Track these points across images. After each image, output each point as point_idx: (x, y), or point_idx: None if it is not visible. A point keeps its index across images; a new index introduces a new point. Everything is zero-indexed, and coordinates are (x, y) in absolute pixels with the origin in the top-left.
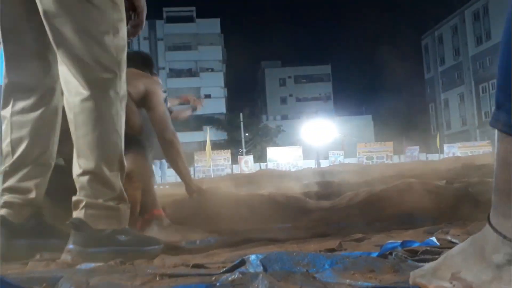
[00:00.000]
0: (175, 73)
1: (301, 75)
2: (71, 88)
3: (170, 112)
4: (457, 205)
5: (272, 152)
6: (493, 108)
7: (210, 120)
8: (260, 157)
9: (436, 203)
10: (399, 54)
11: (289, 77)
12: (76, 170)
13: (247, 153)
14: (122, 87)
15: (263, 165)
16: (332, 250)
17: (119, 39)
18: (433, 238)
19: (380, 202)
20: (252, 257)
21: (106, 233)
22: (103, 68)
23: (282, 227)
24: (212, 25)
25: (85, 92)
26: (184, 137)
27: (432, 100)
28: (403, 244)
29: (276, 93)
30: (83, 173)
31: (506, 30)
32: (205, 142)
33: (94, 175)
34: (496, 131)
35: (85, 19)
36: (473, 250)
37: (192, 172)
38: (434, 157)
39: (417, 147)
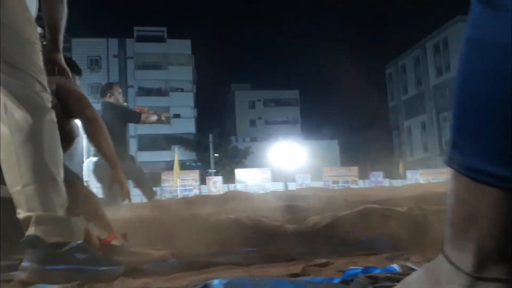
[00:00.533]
0: (145, 91)
1: (270, 98)
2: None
3: (139, 117)
4: (417, 232)
5: (240, 174)
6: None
7: (179, 140)
8: (229, 178)
9: (397, 229)
10: (364, 82)
11: (259, 100)
12: (15, 184)
13: (216, 173)
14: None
15: (231, 186)
16: (295, 275)
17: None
18: (394, 265)
19: (344, 227)
20: (215, 282)
21: (63, 250)
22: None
23: (247, 251)
24: (183, 46)
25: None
26: (152, 156)
27: (395, 128)
28: (364, 270)
29: (246, 115)
30: (25, 186)
31: (460, 71)
32: (173, 161)
33: (38, 186)
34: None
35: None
36: (428, 279)
37: (158, 192)
38: (397, 183)
39: (381, 173)
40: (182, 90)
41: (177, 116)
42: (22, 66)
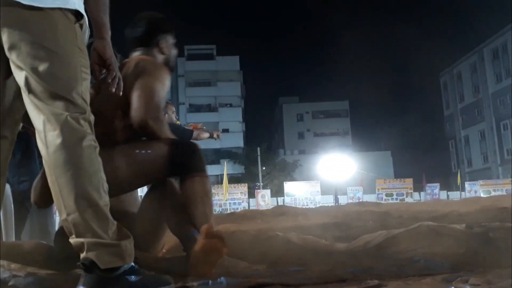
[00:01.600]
0: (195, 108)
1: (319, 110)
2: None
3: (191, 134)
4: (476, 252)
5: (289, 187)
6: None
7: (228, 154)
8: (278, 192)
9: (455, 248)
10: (418, 91)
11: (307, 112)
12: (61, 213)
13: (264, 187)
14: (92, 125)
15: (280, 199)
16: None
17: (86, 84)
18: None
19: (397, 246)
20: None
21: (117, 274)
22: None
23: (297, 271)
24: (231, 63)
25: (58, 129)
26: None
27: (452, 137)
28: None
29: (294, 128)
30: (69, 215)
31: None
32: (222, 175)
33: (79, 214)
34: None
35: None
36: None
37: None
38: (455, 194)
39: (438, 184)
40: (231, 105)
41: (226, 130)
42: (63, 93)
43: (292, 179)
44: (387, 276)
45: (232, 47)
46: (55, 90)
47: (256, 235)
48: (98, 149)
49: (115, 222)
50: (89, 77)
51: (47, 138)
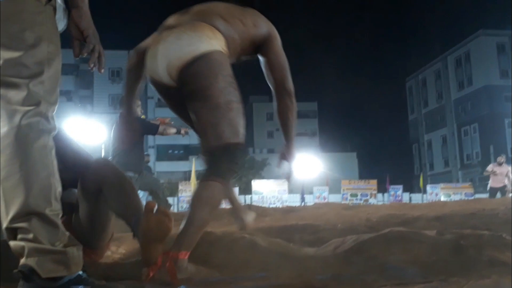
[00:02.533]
0: (163, 103)
1: None
2: None
3: (156, 129)
4: (448, 260)
5: (257, 185)
6: (476, 151)
7: (196, 150)
8: (245, 190)
9: (426, 256)
10: (384, 95)
11: None
12: (3, 220)
13: (233, 185)
14: (51, 121)
15: (248, 197)
16: None
17: (53, 71)
18: None
19: (367, 252)
20: None
21: (60, 284)
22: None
23: (263, 277)
24: None
25: (8, 126)
26: (170, 167)
27: (415, 141)
28: None
29: (263, 127)
30: (11, 222)
31: None
32: (190, 172)
33: (24, 222)
34: None
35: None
36: None
37: (175, 202)
38: (417, 196)
39: (401, 186)
40: None
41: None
42: (20, 81)
43: (261, 178)
44: (358, 283)
45: None
46: (10, 78)
47: (221, 236)
48: (54, 150)
49: (65, 232)
50: (57, 62)
51: None
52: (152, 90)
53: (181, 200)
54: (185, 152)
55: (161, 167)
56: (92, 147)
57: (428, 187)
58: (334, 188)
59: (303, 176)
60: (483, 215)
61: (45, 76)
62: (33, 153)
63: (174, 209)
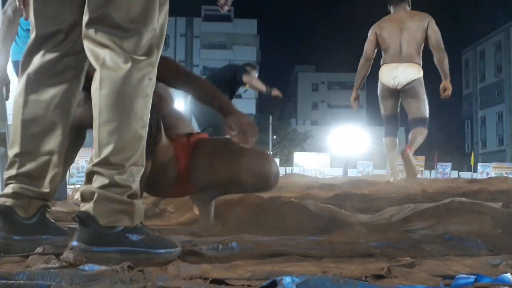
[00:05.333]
0: (209, 71)
1: (335, 81)
2: (107, 62)
3: (243, 72)
4: None
5: (299, 157)
6: None
7: None
8: (286, 161)
9: (491, 228)
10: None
11: (323, 82)
12: (93, 157)
13: (274, 156)
14: (154, 73)
15: (288, 169)
16: (380, 276)
17: (163, 18)
18: (507, 274)
19: (426, 221)
20: (287, 279)
21: (116, 231)
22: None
23: (315, 241)
24: (249, 26)
25: (119, 73)
26: None
27: (468, 117)
28: (477, 279)
29: (308, 98)
30: (100, 162)
31: None
32: None
33: (113, 165)
34: None
35: None
36: None
37: None
38: (467, 175)
39: (449, 164)
40: None
41: (238, 96)
42: (142, 28)
43: (303, 150)
44: (417, 254)
45: (250, 10)
46: (123, 23)
47: (269, 200)
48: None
49: (138, 186)
50: (167, 7)
51: (102, 75)
52: (198, 58)
53: None
54: None
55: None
56: None
57: (479, 166)
58: (379, 163)
59: (347, 150)
60: None
61: (156, 23)
62: (137, 105)
63: None
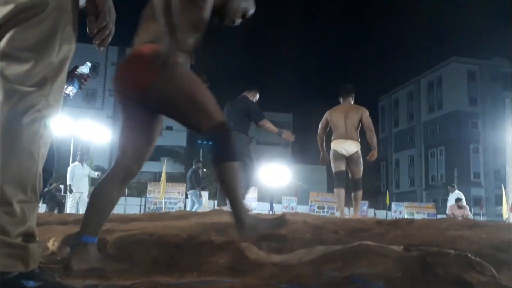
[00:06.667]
0: None
1: None
2: None
3: (262, 117)
4: (415, 276)
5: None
6: (440, 173)
7: (169, 152)
8: (216, 194)
9: (393, 271)
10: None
11: None
12: None
13: (203, 189)
14: (46, 105)
15: (216, 203)
16: None
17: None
18: None
19: (335, 263)
20: None
21: (9, 277)
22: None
23: (229, 283)
24: None
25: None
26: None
27: (384, 159)
28: None
29: None
30: None
31: None
32: (160, 173)
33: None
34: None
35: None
36: None
37: (142, 203)
38: (382, 213)
39: (367, 202)
40: None
41: (169, 128)
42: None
43: None
44: None
45: None
46: (14, 51)
47: (187, 239)
48: (44, 137)
49: (33, 225)
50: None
51: None
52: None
53: (149, 201)
54: (157, 153)
55: None
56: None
57: (393, 205)
58: (303, 199)
59: (273, 185)
60: (448, 235)
61: (55, 56)
62: (21, 138)
63: (141, 210)
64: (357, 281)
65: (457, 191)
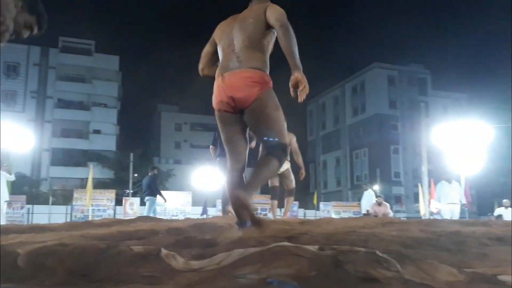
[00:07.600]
0: (64, 103)
1: (198, 122)
2: None
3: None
4: (328, 275)
5: (160, 196)
6: (364, 173)
7: (96, 157)
8: None
9: (307, 270)
10: (287, 116)
11: (185, 123)
12: None
13: (134, 195)
14: None
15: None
16: None
17: None
18: None
19: (252, 265)
20: None
21: None
22: None
23: None
24: (110, 61)
25: None
26: (65, 172)
27: (312, 161)
28: None
29: (171, 137)
30: None
31: None
32: (87, 179)
33: None
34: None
35: None
36: None
37: (69, 211)
38: (311, 213)
39: (297, 203)
40: (105, 105)
41: (97, 132)
42: None
43: (165, 189)
44: None
45: (113, 47)
46: None
47: (105, 249)
48: None
49: None
50: None
51: None
52: (52, 90)
53: (75, 209)
54: (84, 158)
55: (56, 172)
56: None
57: (321, 205)
58: None
59: (208, 189)
60: (362, 233)
61: None
62: None
63: (67, 219)
64: (273, 282)
65: (369, 189)
